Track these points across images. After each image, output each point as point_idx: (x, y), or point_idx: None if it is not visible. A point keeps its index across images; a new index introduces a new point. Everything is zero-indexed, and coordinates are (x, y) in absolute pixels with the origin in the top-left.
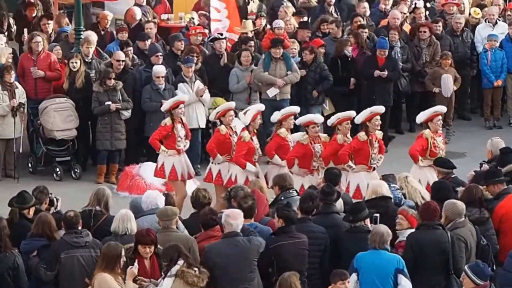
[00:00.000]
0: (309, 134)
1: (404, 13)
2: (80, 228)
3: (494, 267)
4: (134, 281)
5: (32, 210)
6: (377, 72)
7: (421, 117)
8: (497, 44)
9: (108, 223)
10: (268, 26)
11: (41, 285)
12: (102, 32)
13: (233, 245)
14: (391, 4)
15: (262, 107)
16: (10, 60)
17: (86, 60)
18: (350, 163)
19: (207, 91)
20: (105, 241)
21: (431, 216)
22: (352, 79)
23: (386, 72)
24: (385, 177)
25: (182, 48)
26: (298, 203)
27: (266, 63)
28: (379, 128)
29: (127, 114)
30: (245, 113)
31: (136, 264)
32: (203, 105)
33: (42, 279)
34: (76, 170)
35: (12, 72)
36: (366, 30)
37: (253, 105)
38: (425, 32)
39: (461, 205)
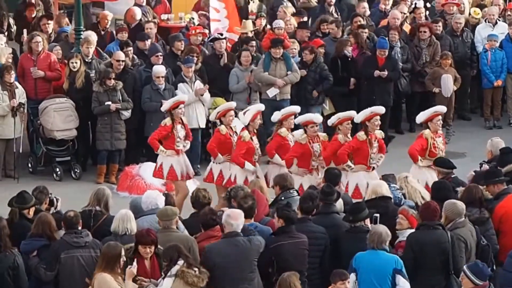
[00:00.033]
0: (307, 134)
1: (404, 13)
2: (80, 228)
3: (494, 267)
4: (134, 281)
5: (32, 210)
6: (377, 72)
7: (421, 117)
8: (497, 44)
9: (108, 223)
10: (268, 26)
11: (41, 285)
12: (102, 32)
13: (234, 245)
14: (391, 4)
15: (262, 107)
16: (10, 60)
17: (86, 60)
18: (349, 162)
19: (207, 91)
20: (105, 241)
21: (431, 216)
22: (352, 79)
23: (386, 72)
24: (385, 177)
25: (182, 48)
26: (298, 203)
27: (266, 63)
28: (378, 128)
29: (127, 114)
30: (244, 113)
31: (135, 264)
32: (203, 105)
33: (42, 279)
34: (76, 170)
35: (12, 72)
36: (366, 30)
37: (253, 105)
38: (425, 32)
39: (461, 205)
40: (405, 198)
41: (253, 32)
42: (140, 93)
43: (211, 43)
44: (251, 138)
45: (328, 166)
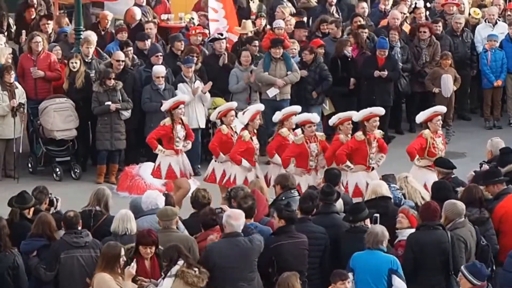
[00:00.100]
0: (305, 134)
1: (404, 13)
2: (80, 228)
3: (494, 267)
4: (135, 281)
5: (31, 210)
6: (377, 72)
7: (420, 117)
8: (497, 44)
9: (108, 223)
10: (268, 26)
11: (41, 285)
12: (102, 32)
13: (234, 245)
14: (391, 4)
15: (261, 107)
16: (10, 60)
17: (86, 60)
18: (348, 163)
19: (207, 91)
20: (105, 241)
21: (431, 216)
22: (352, 79)
23: (386, 72)
24: (385, 177)
25: (182, 48)
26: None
27: (266, 63)
28: (376, 129)
29: (127, 114)
30: (244, 113)
31: (133, 264)
32: (203, 105)
33: (42, 279)
34: (76, 170)
35: (12, 72)
36: (366, 30)
37: (252, 105)
38: (425, 32)
39: (461, 205)
40: (405, 198)
41: (252, 32)
42: (140, 93)
43: (211, 43)
44: (251, 138)
45: (329, 167)
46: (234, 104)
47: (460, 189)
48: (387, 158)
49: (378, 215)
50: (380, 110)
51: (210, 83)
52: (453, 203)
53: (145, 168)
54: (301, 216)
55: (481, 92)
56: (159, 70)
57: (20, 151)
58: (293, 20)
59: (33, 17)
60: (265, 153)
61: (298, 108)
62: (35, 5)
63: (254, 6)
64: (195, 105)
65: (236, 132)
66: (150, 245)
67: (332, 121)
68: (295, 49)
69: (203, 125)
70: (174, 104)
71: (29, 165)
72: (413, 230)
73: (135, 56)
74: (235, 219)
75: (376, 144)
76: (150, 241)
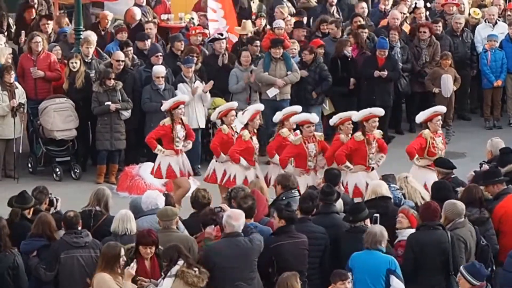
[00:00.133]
0: (303, 134)
1: (404, 13)
2: (80, 228)
3: (494, 267)
4: (135, 281)
5: (31, 210)
6: (377, 72)
7: (420, 117)
8: (497, 44)
9: (108, 224)
10: (268, 26)
11: (41, 285)
12: (102, 33)
13: (235, 245)
14: (391, 4)
15: (261, 107)
16: (10, 60)
17: (86, 60)
18: (347, 163)
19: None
20: (105, 241)
21: (431, 216)
22: (352, 79)
23: (386, 72)
24: (385, 177)
25: (182, 48)
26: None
27: (266, 63)
28: (375, 129)
29: (126, 114)
30: (243, 113)
31: (132, 264)
32: (203, 105)
33: (42, 279)
34: (76, 170)
35: (12, 72)
36: (366, 30)
37: (252, 105)
38: (425, 32)
39: (461, 205)
40: (405, 198)
41: (252, 33)
42: (140, 93)
43: (211, 43)
44: (251, 137)
45: (330, 167)
46: (234, 104)
47: (460, 189)
48: (387, 158)
49: (378, 215)
50: (380, 111)
51: (212, 82)
52: (453, 203)
53: (145, 168)
54: (301, 216)
55: (481, 92)
56: (159, 70)
57: (20, 151)
58: (293, 20)
59: (33, 17)
60: (264, 153)
61: (298, 108)
62: (36, 5)
63: (254, 6)
64: (195, 105)
65: (236, 132)
66: (150, 245)
67: (333, 121)
68: (295, 49)
69: (203, 125)
70: (174, 104)
71: (29, 165)
72: (413, 230)
73: (135, 56)
74: (235, 219)
75: (375, 145)
76: (150, 241)
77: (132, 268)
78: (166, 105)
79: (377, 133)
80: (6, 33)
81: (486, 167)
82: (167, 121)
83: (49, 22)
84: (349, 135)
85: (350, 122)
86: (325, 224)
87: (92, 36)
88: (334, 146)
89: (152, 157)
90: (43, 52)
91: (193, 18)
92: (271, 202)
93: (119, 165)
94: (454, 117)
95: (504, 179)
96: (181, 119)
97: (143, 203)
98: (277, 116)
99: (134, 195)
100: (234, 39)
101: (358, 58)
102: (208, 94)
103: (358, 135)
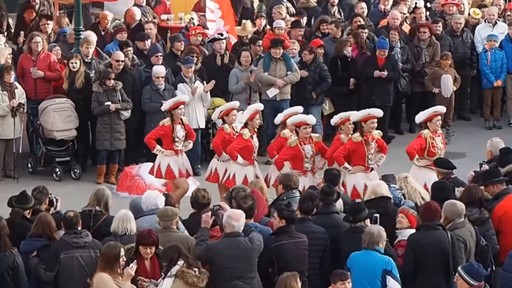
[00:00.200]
0: (299, 135)
1: (404, 13)
2: (79, 228)
3: (494, 268)
4: (135, 281)
5: (31, 210)
6: (376, 73)
7: (420, 117)
8: (497, 44)
9: (108, 224)
10: (268, 26)
11: (40, 285)
12: (102, 33)
13: (235, 245)
14: (391, 4)
15: (260, 106)
16: (10, 61)
17: (86, 61)
18: (346, 164)
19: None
20: (104, 241)
21: (431, 216)
22: (351, 79)
23: (385, 72)
24: (385, 177)
25: (182, 49)
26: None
27: (266, 64)
28: (374, 130)
29: (126, 114)
30: (243, 113)
31: (132, 265)
32: (203, 105)
33: (41, 279)
34: (75, 170)
35: (11, 72)
36: (366, 30)
37: (251, 105)
38: (425, 32)
39: (460, 205)
40: (404, 198)
41: (252, 33)
42: (140, 94)
43: (211, 44)
44: (251, 136)
45: (330, 167)
46: (236, 103)
47: (459, 189)
48: (387, 158)
49: (378, 215)
50: (378, 112)
51: (213, 82)
52: (453, 203)
53: (145, 168)
54: (300, 216)
55: (481, 92)
56: (159, 70)
57: (20, 151)
58: (291, 20)
59: (32, 17)
60: (264, 153)
61: (300, 108)
62: (37, 5)
63: (254, 6)
64: (195, 105)
65: (237, 132)
66: (150, 245)
67: (334, 120)
68: (295, 49)
69: (202, 125)
70: (174, 105)
71: (29, 165)
72: (413, 230)
73: (135, 56)
74: (236, 219)
75: (374, 145)
76: (150, 241)
77: (132, 268)
78: (166, 105)
79: (376, 133)
80: (6, 33)
81: (486, 167)
82: (166, 121)
83: (49, 22)
84: (350, 135)
85: (351, 122)
86: (325, 224)
87: (92, 36)
88: (335, 146)
89: (152, 157)
90: (43, 52)
91: (193, 18)
92: (271, 202)
93: (119, 165)
94: (454, 117)
95: (504, 179)
96: (181, 119)
97: (143, 203)
98: (279, 118)
99: (134, 195)
100: (233, 40)
101: (358, 58)
102: (208, 94)
103: (356, 136)
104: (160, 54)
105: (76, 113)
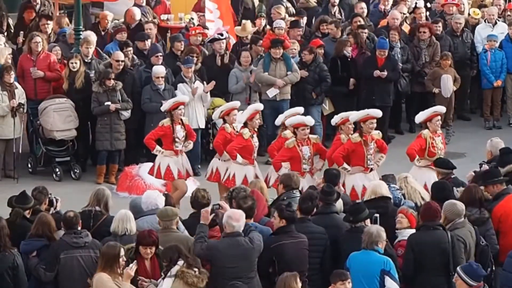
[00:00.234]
0: (297, 137)
1: (404, 14)
2: (79, 228)
3: (494, 268)
4: (135, 281)
5: (31, 210)
6: (376, 73)
7: (420, 117)
8: (497, 45)
9: (108, 224)
10: (268, 26)
11: (40, 285)
12: (102, 33)
13: (235, 245)
14: (391, 4)
15: (260, 106)
16: (10, 61)
17: (86, 61)
18: (345, 165)
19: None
20: (104, 241)
21: (432, 216)
22: (351, 79)
23: (385, 73)
24: (384, 178)
25: (182, 49)
26: None
27: (266, 64)
28: (372, 131)
29: (126, 114)
30: (243, 113)
31: (132, 265)
32: (203, 105)
33: (41, 279)
34: (75, 170)
35: (11, 72)
36: (366, 30)
37: (251, 105)
38: (425, 32)
39: (460, 205)
40: (404, 198)
41: (251, 33)
42: (140, 94)
43: (211, 44)
44: (251, 136)
45: (330, 167)
46: (237, 103)
47: (459, 189)
48: (387, 159)
49: (378, 215)
50: (377, 112)
51: (213, 82)
52: (453, 203)
53: (145, 169)
54: (300, 216)
55: (481, 92)
56: (159, 70)
57: (20, 151)
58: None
59: (32, 18)
60: (264, 153)
61: (301, 109)
62: (37, 6)
63: (255, 7)
64: (195, 105)
65: (237, 131)
66: (150, 246)
67: (334, 120)
68: (295, 49)
69: (202, 126)
70: (174, 105)
71: (29, 165)
72: (413, 230)
73: (135, 56)
74: (236, 220)
75: (373, 146)
76: (151, 242)
77: (131, 269)
78: (165, 105)
79: (376, 133)
80: (5, 34)
81: (486, 167)
82: (166, 121)
83: (48, 22)
84: (349, 136)
85: (351, 122)
86: (325, 224)
87: (92, 36)
88: (335, 146)
89: (152, 158)
90: (43, 52)
91: (193, 18)
92: (271, 202)
93: (119, 165)
94: (454, 117)
95: (504, 179)
96: (181, 120)
97: (143, 203)
98: (280, 119)
99: (134, 195)
100: (232, 40)
101: (358, 58)
102: (208, 94)
103: (355, 136)
104: (160, 54)
105: (76, 113)
